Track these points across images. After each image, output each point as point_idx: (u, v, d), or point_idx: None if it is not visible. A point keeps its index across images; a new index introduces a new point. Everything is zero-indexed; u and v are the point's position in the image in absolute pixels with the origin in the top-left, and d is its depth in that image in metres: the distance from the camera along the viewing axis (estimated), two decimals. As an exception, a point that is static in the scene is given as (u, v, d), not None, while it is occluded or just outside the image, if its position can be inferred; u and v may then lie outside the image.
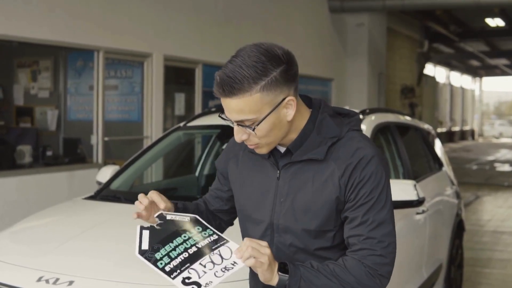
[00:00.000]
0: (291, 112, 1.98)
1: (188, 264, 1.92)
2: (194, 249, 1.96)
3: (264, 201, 2.13)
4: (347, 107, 2.42)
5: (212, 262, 1.93)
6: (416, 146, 5.94)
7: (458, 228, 6.12)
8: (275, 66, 1.90)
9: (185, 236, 1.99)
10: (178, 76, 10.48)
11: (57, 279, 3.03)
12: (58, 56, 9.31)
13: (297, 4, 13.80)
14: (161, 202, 2.10)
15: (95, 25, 8.29)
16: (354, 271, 1.96)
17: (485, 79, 48.88)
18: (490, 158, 25.79)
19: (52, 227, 3.97)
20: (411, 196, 4.07)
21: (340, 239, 2.07)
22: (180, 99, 10.30)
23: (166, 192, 5.19)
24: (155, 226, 2.02)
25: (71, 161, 8.30)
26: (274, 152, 2.11)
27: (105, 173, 4.88)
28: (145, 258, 1.93)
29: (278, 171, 2.10)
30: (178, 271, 1.90)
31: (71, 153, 8.63)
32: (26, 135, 9.01)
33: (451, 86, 38.88)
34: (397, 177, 4.98)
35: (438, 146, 6.54)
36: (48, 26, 7.63)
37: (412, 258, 4.73)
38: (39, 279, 3.05)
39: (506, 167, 21.75)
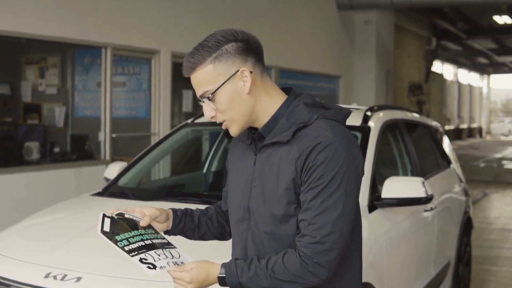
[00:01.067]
0: (247, 85, 2.06)
1: (145, 250, 2.08)
2: (149, 242, 2.12)
3: (244, 187, 2.18)
4: (355, 105, 2.42)
5: (164, 254, 2.10)
6: (424, 143, 5.92)
7: (466, 226, 6.10)
8: (226, 41, 2.05)
9: (141, 231, 2.15)
10: (186, 73, 10.46)
11: (65, 275, 3.04)
12: (65, 52, 9.32)
13: (304, 1, 13.77)
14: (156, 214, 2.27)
15: (103, 21, 8.29)
16: (289, 263, 1.97)
17: (493, 76, 48.77)
18: (498, 155, 25.75)
19: (60, 223, 3.98)
20: (420, 193, 4.06)
21: None
22: (187, 96, 10.30)
23: (173, 188, 5.20)
24: (115, 217, 2.17)
25: (78, 157, 8.31)
26: (255, 138, 2.18)
27: (113, 170, 4.88)
28: (107, 237, 2.08)
29: (255, 156, 2.16)
30: (136, 252, 2.05)
31: (79, 149, 8.64)
32: (33, 132, 9.04)
33: (459, 84, 38.81)
34: (405, 174, 4.97)
35: (446, 143, 6.52)
36: (56, 22, 7.63)
37: (421, 255, 4.72)
38: (47, 275, 3.06)
39: (514, 165, 21.70)
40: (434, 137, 6.16)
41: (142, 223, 2.17)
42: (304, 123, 2.05)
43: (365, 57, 16.21)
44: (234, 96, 2.06)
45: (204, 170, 5.71)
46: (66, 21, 7.75)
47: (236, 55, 2.05)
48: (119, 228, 2.12)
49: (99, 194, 4.48)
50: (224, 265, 2.05)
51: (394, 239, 4.09)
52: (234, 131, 2.12)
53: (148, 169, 5.33)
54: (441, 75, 29.80)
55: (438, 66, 29.72)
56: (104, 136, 8.42)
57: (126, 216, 2.19)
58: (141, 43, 8.93)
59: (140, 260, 2.03)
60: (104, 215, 2.14)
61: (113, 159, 8.24)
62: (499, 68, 42.47)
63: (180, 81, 10.02)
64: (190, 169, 6.58)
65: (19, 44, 8.46)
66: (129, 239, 2.09)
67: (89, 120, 9.11)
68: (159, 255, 2.07)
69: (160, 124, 9.32)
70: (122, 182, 4.68)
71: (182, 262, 2.09)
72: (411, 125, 5.60)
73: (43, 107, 9.46)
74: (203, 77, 2.05)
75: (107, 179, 4.86)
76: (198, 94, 2.09)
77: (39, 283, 3.03)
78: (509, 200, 13.31)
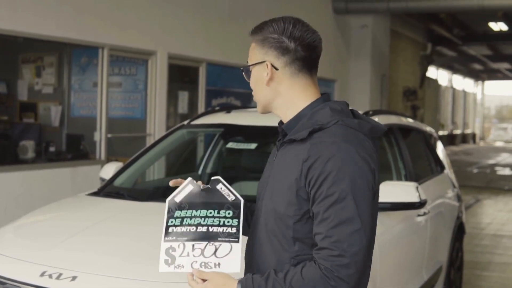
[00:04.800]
0: (266, 78, 2.13)
1: (186, 239, 1.98)
2: (203, 229, 2.00)
3: (263, 182, 2.20)
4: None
5: (202, 250, 1.97)
6: (418, 148, 5.95)
7: (459, 231, 6.13)
8: (279, 33, 2.12)
9: (210, 213, 2.03)
10: (182, 75, 10.50)
11: (60, 274, 3.05)
12: (62, 52, 9.32)
13: (301, 4, 13.80)
14: None
15: (101, 21, 8.31)
16: (309, 276, 1.91)
17: (487, 82, 48.88)
18: (491, 161, 25.81)
19: (55, 222, 3.99)
20: (413, 198, 4.09)
21: (300, 233, 2.02)
22: (183, 97, 10.32)
23: (169, 189, 5.22)
24: (201, 186, 2.07)
25: (74, 157, 8.31)
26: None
27: (109, 170, 4.90)
28: (169, 208, 2.03)
29: (277, 152, 2.18)
30: (174, 238, 1.98)
31: (74, 149, 8.64)
32: (29, 131, 9.03)
33: (453, 89, 38.88)
34: (399, 179, 4.99)
35: (440, 149, 6.55)
36: (53, 22, 7.65)
37: (413, 260, 4.75)
38: (42, 274, 3.07)
39: (506, 171, 21.76)
40: (428, 143, 6.20)
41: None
42: (321, 125, 2.02)
43: (361, 61, 16.25)
44: (257, 80, 2.17)
45: (199, 172, 5.73)
46: (64, 20, 7.77)
47: (271, 48, 2.13)
48: (191, 201, 2.04)
49: (94, 193, 4.49)
50: (240, 281, 1.98)
51: (387, 243, 4.12)
52: (258, 108, 2.24)
53: (143, 170, 5.35)
54: (435, 81, 29.86)
55: (433, 72, 29.78)
56: (100, 136, 8.44)
57: (218, 187, 2.06)
58: (138, 44, 8.95)
59: (167, 249, 1.95)
60: (189, 181, 2.07)
61: (108, 159, 8.25)
62: (494, 75, 42.58)
63: (176, 83, 10.05)
64: (185, 170, 6.61)
65: (16, 43, 8.47)
66: (185, 220, 2.00)
67: (84, 120, 9.11)
68: (194, 249, 1.96)
69: (156, 125, 9.33)
70: (117, 182, 4.69)
71: (217, 264, 1.96)
72: (406, 130, 5.64)
73: (39, 106, 9.47)
74: (251, 49, 2.20)
75: (102, 179, 4.87)
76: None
77: (34, 282, 3.04)
78: (501, 206, 13.36)
